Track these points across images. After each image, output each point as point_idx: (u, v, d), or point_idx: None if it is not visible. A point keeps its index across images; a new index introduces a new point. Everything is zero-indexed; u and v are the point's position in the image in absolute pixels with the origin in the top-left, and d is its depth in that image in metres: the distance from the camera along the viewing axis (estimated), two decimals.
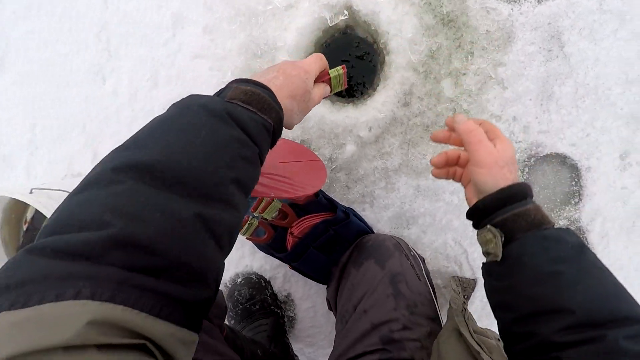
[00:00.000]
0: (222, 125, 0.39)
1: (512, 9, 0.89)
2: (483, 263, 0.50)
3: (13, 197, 0.74)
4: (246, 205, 0.41)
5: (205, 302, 0.35)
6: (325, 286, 0.87)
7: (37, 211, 0.87)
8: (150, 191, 0.33)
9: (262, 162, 0.45)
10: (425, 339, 0.62)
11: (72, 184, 0.36)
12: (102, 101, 0.97)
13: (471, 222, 0.53)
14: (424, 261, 0.88)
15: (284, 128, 0.52)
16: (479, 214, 0.50)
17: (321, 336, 1.02)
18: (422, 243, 0.97)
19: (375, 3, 0.88)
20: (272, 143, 0.48)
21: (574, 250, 0.44)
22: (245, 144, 0.41)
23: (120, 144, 0.37)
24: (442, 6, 0.89)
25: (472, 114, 0.91)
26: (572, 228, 0.95)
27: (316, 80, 0.56)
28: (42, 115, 1.00)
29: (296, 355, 0.98)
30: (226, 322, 1.01)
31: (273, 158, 0.72)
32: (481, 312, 0.98)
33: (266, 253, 0.92)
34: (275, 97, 0.46)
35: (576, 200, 0.94)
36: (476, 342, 0.48)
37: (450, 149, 0.59)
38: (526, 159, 0.93)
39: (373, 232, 0.93)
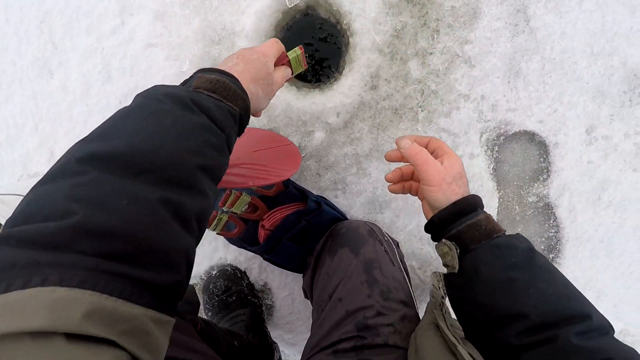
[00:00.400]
0: (187, 113, 0.40)
1: None
2: (444, 275, 0.52)
3: None
4: (215, 191, 0.42)
5: (176, 286, 0.35)
6: (302, 274, 0.87)
7: None
8: (116, 180, 0.33)
9: (230, 150, 0.45)
10: (399, 323, 0.63)
11: (29, 185, 0.35)
12: (52, 97, 0.91)
13: (430, 236, 0.56)
14: (397, 245, 0.88)
15: (252, 116, 0.53)
16: (435, 228, 0.53)
17: (300, 322, 1.03)
18: (396, 227, 0.97)
19: None
20: (240, 130, 0.49)
21: (524, 255, 0.46)
22: (212, 131, 0.41)
23: (76, 140, 0.37)
24: None
25: (441, 95, 0.90)
26: (541, 204, 0.97)
27: (275, 65, 0.57)
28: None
29: (275, 342, 0.99)
30: (203, 314, 1.01)
31: (246, 148, 0.73)
32: None
33: (239, 247, 0.90)
34: (240, 84, 0.47)
35: (545, 176, 0.95)
36: (453, 335, 0.48)
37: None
38: (495, 138, 0.93)
39: (346, 218, 0.93)
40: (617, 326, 1.01)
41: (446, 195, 0.51)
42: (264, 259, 0.88)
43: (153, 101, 0.40)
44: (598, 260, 0.97)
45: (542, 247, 0.99)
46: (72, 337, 0.26)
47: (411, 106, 0.90)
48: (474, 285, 0.47)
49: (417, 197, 0.61)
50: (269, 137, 0.81)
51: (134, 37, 0.89)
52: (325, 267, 0.78)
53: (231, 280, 0.98)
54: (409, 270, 0.81)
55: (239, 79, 0.47)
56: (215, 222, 0.79)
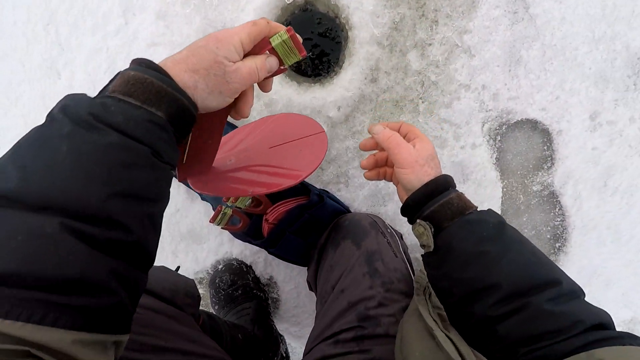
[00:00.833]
0: (88, 134, 0.33)
1: None
2: (422, 255, 0.53)
3: None
4: (145, 212, 0.36)
5: (112, 307, 0.33)
6: (307, 267, 0.88)
7: None
8: (12, 218, 0.31)
9: (169, 160, 0.39)
10: (400, 313, 0.63)
11: None
12: (60, 96, 0.93)
13: (406, 219, 0.57)
14: (401, 237, 0.89)
15: (203, 112, 0.43)
16: (410, 210, 0.54)
17: (305, 315, 1.04)
18: (399, 219, 0.97)
19: None
20: (182, 131, 0.41)
21: (495, 228, 0.48)
22: (126, 148, 0.35)
23: None
24: None
25: (441, 85, 0.90)
26: (546, 193, 0.96)
27: (255, 53, 0.45)
28: None
29: (281, 335, 1.00)
30: (210, 308, 1.02)
31: (263, 144, 0.63)
32: None
33: (243, 241, 0.92)
34: (170, 80, 0.38)
35: (549, 164, 0.95)
36: (432, 318, 0.49)
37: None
38: (497, 127, 0.93)
39: (350, 211, 0.93)
40: (626, 314, 1.00)
41: (419, 177, 0.52)
42: (269, 252, 0.89)
43: (52, 122, 0.35)
44: (605, 248, 0.96)
45: (548, 236, 0.98)
46: None
47: (412, 98, 0.91)
48: (448, 261, 0.48)
49: (392, 182, 0.62)
50: (299, 124, 0.67)
51: (138, 36, 0.90)
52: (328, 260, 0.78)
53: (237, 275, 0.99)
54: (413, 262, 0.82)
55: (170, 71, 0.39)
56: (219, 217, 0.80)
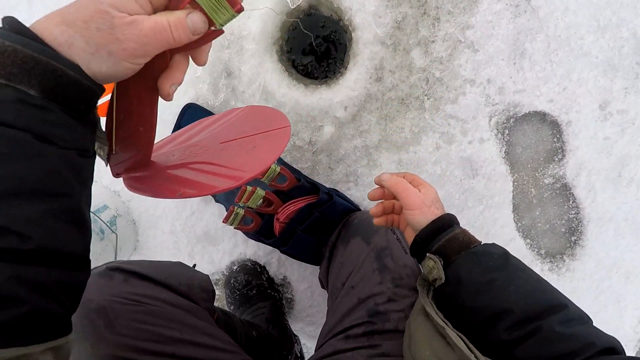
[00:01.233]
0: None
1: None
2: (433, 290, 0.56)
3: None
4: (42, 210, 0.29)
5: (25, 317, 0.28)
6: (319, 266, 0.90)
7: None
8: None
9: (70, 145, 0.31)
10: (409, 309, 0.64)
11: None
12: None
13: (417, 259, 0.60)
14: None
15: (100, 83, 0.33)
16: (420, 248, 0.57)
17: (320, 315, 1.05)
18: None
19: None
20: (78, 109, 0.32)
21: (500, 259, 0.51)
22: None
23: None
24: None
25: (446, 81, 0.90)
26: (558, 185, 0.95)
27: (171, 8, 0.34)
28: None
29: (296, 335, 1.01)
30: (226, 307, 1.05)
31: (214, 138, 0.55)
32: None
33: (256, 240, 0.94)
34: (43, 44, 0.29)
35: (559, 156, 0.94)
36: (441, 318, 0.51)
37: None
38: (505, 121, 0.92)
39: (360, 209, 0.94)
40: None
41: (426, 217, 0.57)
42: (281, 251, 0.91)
43: None
44: (623, 240, 0.94)
45: (563, 230, 0.97)
46: None
47: (417, 95, 0.92)
48: (459, 293, 0.51)
49: (399, 228, 0.67)
50: (264, 117, 0.57)
51: None
52: (338, 257, 0.80)
53: (251, 275, 1.01)
54: None
55: (39, 29, 0.30)
56: (232, 217, 0.83)
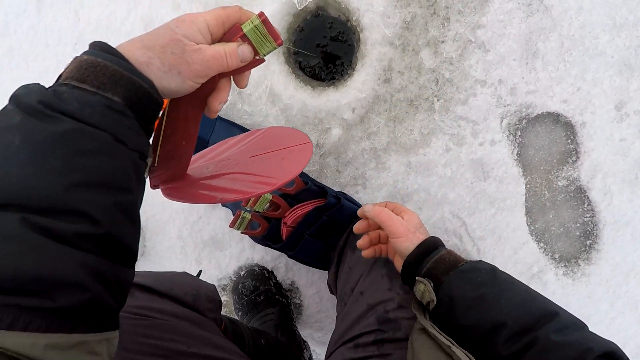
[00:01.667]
0: (40, 123, 0.32)
1: None
2: (428, 313, 0.57)
3: None
4: (111, 201, 0.34)
5: (84, 304, 0.30)
6: (327, 271, 0.88)
7: None
8: None
9: (136, 148, 0.36)
10: None
11: None
12: None
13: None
14: None
15: (166, 97, 0.40)
16: (409, 273, 0.59)
17: (329, 320, 1.03)
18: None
19: None
20: (146, 117, 0.38)
21: (488, 274, 0.53)
22: (83, 135, 0.33)
23: None
24: None
25: (456, 82, 0.89)
26: (572, 188, 0.92)
27: (225, 40, 0.42)
28: None
29: (305, 341, 1.00)
30: (234, 314, 1.03)
31: (242, 153, 0.61)
32: None
33: (263, 245, 0.93)
34: (127, 62, 0.36)
35: (574, 158, 0.91)
36: (445, 337, 0.51)
37: None
38: (517, 122, 0.90)
39: None
40: None
41: (412, 242, 0.59)
42: (289, 256, 0.90)
43: (3, 116, 0.33)
44: None
45: (578, 233, 0.94)
46: None
47: (426, 96, 0.90)
48: (453, 312, 0.52)
49: (388, 257, 0.68)
50: (286, 135, 0.66)
51: None
52: (347, 262, 0.78)
53: (259, 280, 1.00)
54: None
55: (124, 50, 0.36)
56: (239, 222, 0.82)
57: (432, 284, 0.55)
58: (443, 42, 0.87)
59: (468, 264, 0.55)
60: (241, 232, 0.85)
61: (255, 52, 0.43)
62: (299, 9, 0.88)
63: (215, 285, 1.05)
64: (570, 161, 0.91)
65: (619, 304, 0.94)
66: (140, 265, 1.05)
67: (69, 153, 0.32)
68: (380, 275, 0.69)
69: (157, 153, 0.46)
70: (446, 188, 0.94)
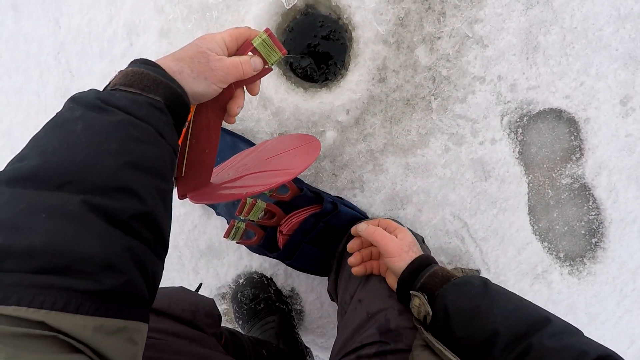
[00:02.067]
0: (98, 114, 0.38)
1: None
2: (425, 327, 0.57)
3: None
4: (154, 185, 0.38)
5: (122, 287, 0.33)
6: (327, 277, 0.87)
7: None
8: (32, 196, 0.32)
9: (171, 143, 0.43)
10: None
11: None
12: None
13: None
14: (423, 241, 0.85)
15: (195, 102, 0.48)
16: (404, 290, 0.60)
17: (331, 325, 1.02)
18: (419, 222, 0.93)
19: None
20: (179, 118, 0.45)
21: (480, 287, 0.55)
22: (133, 125, 0.39)
23: None
24: None
25: (453, 80, 0.85)
26: (576, 185, 0.90)
27: (242, 54, 0.51)
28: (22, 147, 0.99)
29: (308, 348, 0.98)
30: (234, 323, 1.02)
31: (261, 158, 0.68)
32: None
33: (260, 254, 0.91)
34: (162, 71, 0.43)
35: (577, 155, 0.88)
36: (450, 353, 0.50)
37: None
38: (518, 119, 0.87)
39: (367, 217, 0.91)
40: None
41: (406, 261, 0.60)
42: (286, 264, 0.88)
43: (65, 111, 0.39)
44: None
45: (583, 232, 0.92)
46: (16, 336, 0.27)
47: (423, 95, 0.87)
48: (448, 324, 0.53)
49: (379, 274, 0.69)
50: (295, 139, 0.72)
51: (143, 56, 0.91)
52: (346, 268, 0.77)
53: (258, 288, 0.98)
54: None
55: (161, 64, 0.44)
56: (233, 231, 0.79)
57: (426, 297, 0.56)
58: (439, 38, 0.84)
59: (460, 278, 0.57)
60: (236, 242, 0.83)
61: (265, 62, 0.52)
62: (287, 8, 0.84)
63: (215, 293, 1.04)
64: (574, 158, 0.88)
65: (626, 303, 0.92)
66: None
67: (122, 138, 0.37)
68: (379, 281, 0.68)
69: (184, 164, 0.52)
70: (446, 189, 0.91)
